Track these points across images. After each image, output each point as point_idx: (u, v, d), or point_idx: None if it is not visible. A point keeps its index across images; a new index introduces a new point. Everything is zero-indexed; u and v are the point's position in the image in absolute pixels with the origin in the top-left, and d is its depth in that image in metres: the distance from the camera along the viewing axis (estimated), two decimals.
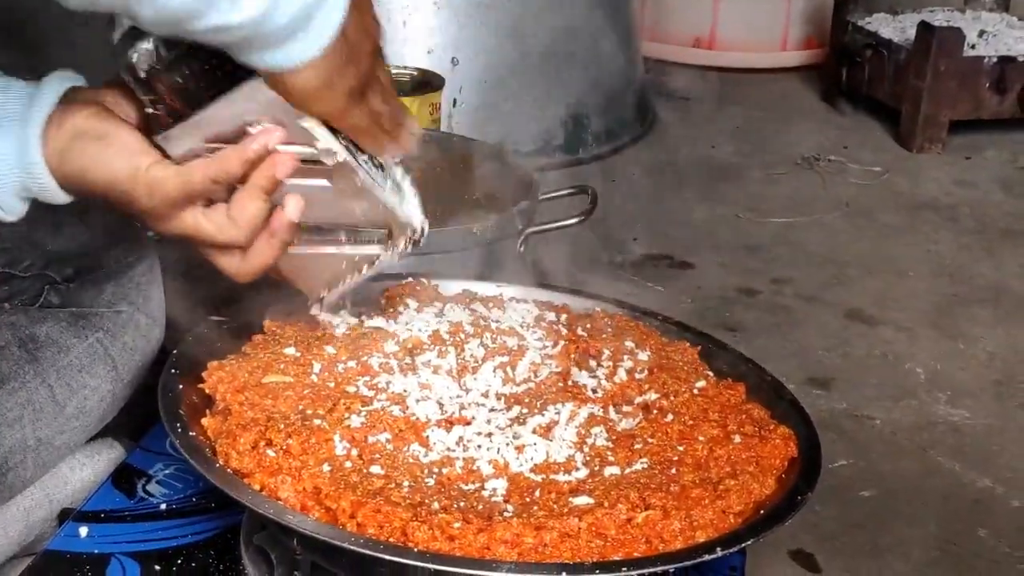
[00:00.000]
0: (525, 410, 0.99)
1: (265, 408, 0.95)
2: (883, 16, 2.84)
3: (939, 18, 2.74)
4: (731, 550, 0.87)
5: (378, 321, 1.09)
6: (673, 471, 0.94)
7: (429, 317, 1.11)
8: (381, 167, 0.95)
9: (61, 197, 0.93)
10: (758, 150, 2.55)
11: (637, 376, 1.06)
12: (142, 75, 0.88)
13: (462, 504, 0.87)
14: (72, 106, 0.90)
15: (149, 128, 0.90)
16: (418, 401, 0.97)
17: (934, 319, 1.82)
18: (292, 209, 0.91)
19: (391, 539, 0.83)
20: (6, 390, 1.02)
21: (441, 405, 0.98)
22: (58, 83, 0.92)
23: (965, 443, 1.49)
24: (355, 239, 0.98)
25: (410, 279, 1.17)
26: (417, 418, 0.96)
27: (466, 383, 1.02)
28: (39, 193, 0.92)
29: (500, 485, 0.90)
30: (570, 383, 1.04)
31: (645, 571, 0.84)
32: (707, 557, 0.86)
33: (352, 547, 0.82)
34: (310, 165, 0.90)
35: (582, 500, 0.89)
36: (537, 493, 0.90)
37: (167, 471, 1.10)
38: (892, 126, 2.66)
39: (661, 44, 3.10)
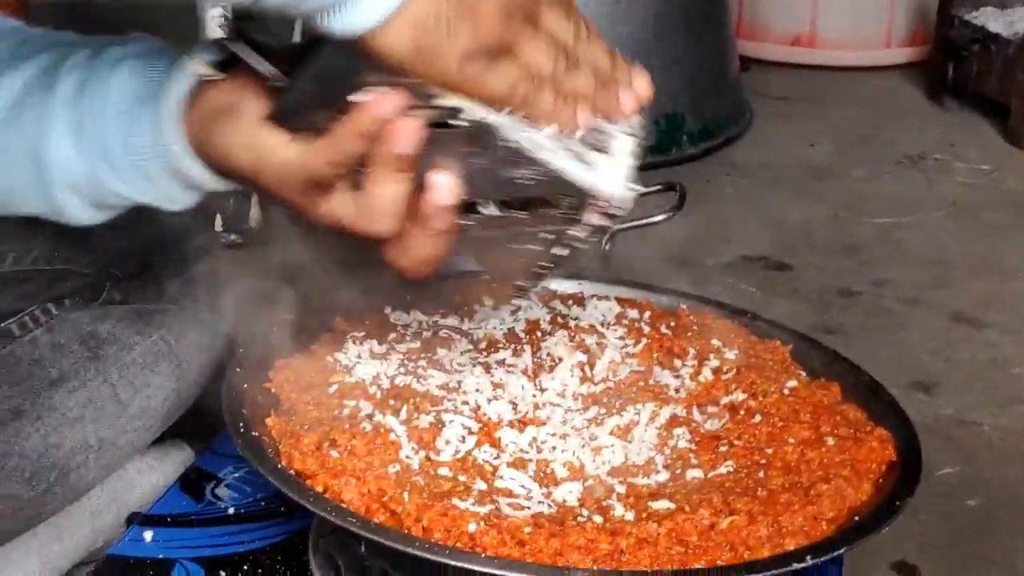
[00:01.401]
0: (603, 410, 0.94)
1: (331, 408, 0.91)
2: (990, 10, 2.75)
3: None
4: (823, 558, 0.81)
5: (452, 320, 1.06)
6: (760, 475, 0.88)
7: (505, 315, 1.06)
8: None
9: (213, 183, 0.84)
10: (859, 149, 2.47)
11: (724, 376, 1.00)
12: (254, 42, 0.75)
13: (532, 508, 0.83)
14: (217, 83, 0.79)
15: (276, 102, 0.78)
16: (490, 401, 0.93)
17: None
18: (439, 190, 0.76)
19: (458, 544, 0.79)
20: (67, 388, 0.99)
21: (515, 405, 0.94)
22: (204, 53, 0.81)
23: None
24: (537, 215, 0.79)
25: (486, 276, 1.13)
26: (489, 418, 0.91)
27: (542, 382, 0.97)
28: (190, 180, 0.84)
29: (574, 488, 0.85)
30: (651, 382, 0.99)
31: None
32: (797, 566, 0.80)
33: (416, 552, 0.78)
34: (451, 131, 0.74)
35: (662, 504, 0.83)
36: (614, 497, 0.85)
37: (236, 474, 1.07)
38: (1000, 123, 2.56)
39: (759, 43, 3.04)
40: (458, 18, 0.70)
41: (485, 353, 1.00)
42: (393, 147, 0.74)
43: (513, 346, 1.01)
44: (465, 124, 0.74)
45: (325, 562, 0.94)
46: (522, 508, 0.82)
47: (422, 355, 0.99)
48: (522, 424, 0.91)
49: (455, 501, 0.81)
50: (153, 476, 1.10)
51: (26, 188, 0.86)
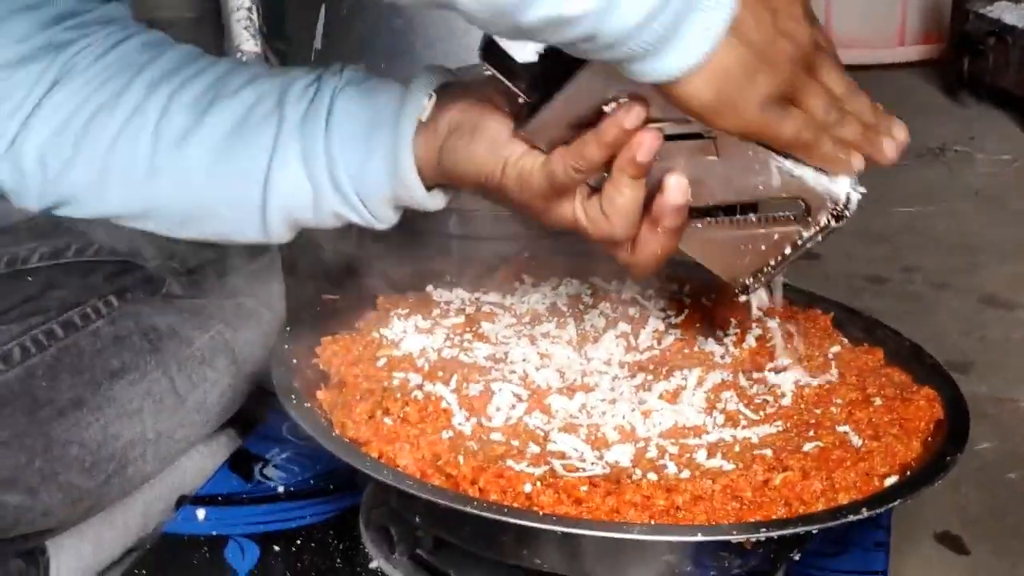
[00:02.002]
0: (650, 376, 0.95)
1: (380, 380, 0.92)
2: (1005, 3, 2.75)
3: None
4: (878, 510, 0.81)
5: (493, 296, 1.06)
6: (811, 434, 0.88)
7: (546, 290, 1.07)
8: None
9: (430, 204, 0.94)
10: None
11: (768, 343, 1.01)
12: (504, 62, 0.84)
13: (587, 470, 0.83)
14: (447, 103, 0.89)
15: (519, 119, 0.86)
16: (538, 369, 0.94)
17: None
18: (673, 192, 0.83)
19: (515, 504, 0.80)
20: (127, 380, 1.00)
21: (562, 374, 0.94)
22: (426, 82, 0.91)
23: None
24: (769, 218, 0.87)
25: (526, 254, 1.14)
26: (538, 386, 0.92)
27: (587, 352, 0.98)
28: (408, 202, 0.93)
29: (627, 450, 0.86)
30: (696, 350, 1.00)
31: (787, 532, 0.79)
32: (852, 518, 0.80)
33: (475, 511, 0.78)
34: (692, 140, 0.82)
35: (715, 463, 0.84)
36: (666, 457, 0.85)
37: (284, 455, 1.08)
38: (1019, 115, 2.57)
39: None
40: (759, 66, 0.74)
41: (529, 326, 1.01)
42: (635, 155, 0.80)
43: (556, 319, 1.02)
44: (705, 133, 0.81)
45: (378, 535, 0.95)
46: (576, 469, 0.83)
47: (467, 329, 1.00)
48: (571, 391, 0.92)
49: (510, 463, 0.82)
50: (201, 460, 1.11)
51: (244, 207, 0.96)
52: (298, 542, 0.96)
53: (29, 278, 0.97)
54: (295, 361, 0.95)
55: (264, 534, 0.97)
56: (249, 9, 1.61)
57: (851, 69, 2.76)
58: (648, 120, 0.80)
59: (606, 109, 0.80)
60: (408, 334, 0.98)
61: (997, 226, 2.04)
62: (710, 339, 1.01)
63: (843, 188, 0.84)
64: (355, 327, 1.01)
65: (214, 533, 0.97)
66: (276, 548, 0.95)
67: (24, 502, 0.94)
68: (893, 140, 0.85)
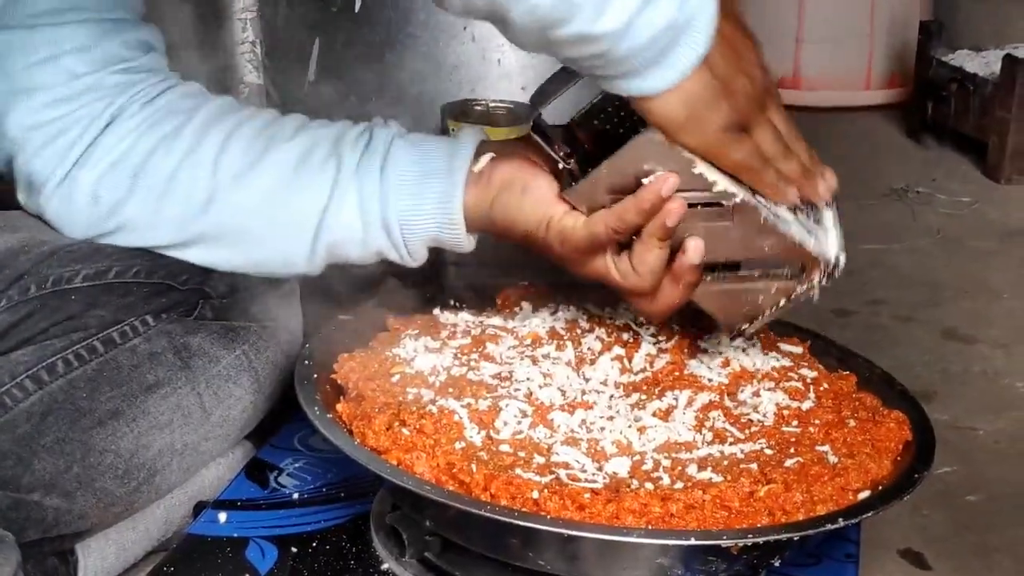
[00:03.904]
0: (644, 396, 1.02)
1: (395, 394, 0.99)
2: (967, 52, 2.86)
3: (1023, 53, 2.76)
4: (853, 520, 0.89)
5: (496, 320, 1.14)
6: (791, 451, 0.96)
7: (545, 315, 1.15)
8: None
9: (466, 246, 1.05)
10: (846, 183, 2.51)
11: (750, 367, 1.09)
12: (545, 132, 0.99)
13: (588, 479, 0.91)
14: (500, 159, 1.02)
15: (559, 181, 0.99)
16: (541, 387, 1.01)
17: None
18: (692, 253, 0.95)
19: (524, 509, 0.87)
20: (159, 395, 1.07)
21: (563, 392, 1.02)
22: (472, 138, 1.04)
23: None
24: (768, 273, 0.99)
25: (525, 283, 1.21)
26: (541, 402, 0.99)
27: (585, 373, 1.05)
28: (447, 242, 1.05)
29: (624, 463, 0.93)
30: (686, 373, 1.07)
31: (772, 538, 0.87)
32: (830, 527, 0.88)
33: (488, 514, 0.86)
34: (711, 208, 0.94)
35: (705, 475, 0.92)
36: (661, 470, 0.93)
37: (297, 464, 1.14)
38: (979, 159, 2.67)
39: None
40: (722, 95, 0.88)
41: (531, 348, 1.08)
42: (666, 221, 0.93)
43: (556, 341, 1.09)
44: (724, 202, 0.94)
45: (388, 539, 1.01)
46: (578, 479, 0.90)
47: (474, 350, 1.07)
48: (571, 408, 0.99)
49: (518, 471, 0.89)
50: (218, 470, 1.17)
51: (296, 241, 1.06)
52: (314, 544, 1.02)
53: (73, 297, 1.04)
54: (315, 376, 1.02)
55: (281, 537, 1.03)
56: (253, 43, 1.68)
57: (820, 111, 2.88)
58: (679, 190, 0.92)
59: (644, 181, 0.92)
60: (419, 353, 1.05)
61: (957, 264, 2.13)
62: (700, 363, 1.09)
63: (833, 252, 0.99)
64: (369, 346, 1.08)
65: (235, 535, 1.03)
66: (293, 550, 1.01)
67: (62, 505, 1.00)
68: (825, 182, 0.99)
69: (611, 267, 0.98)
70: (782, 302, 1.00)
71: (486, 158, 1.02)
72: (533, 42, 0.87)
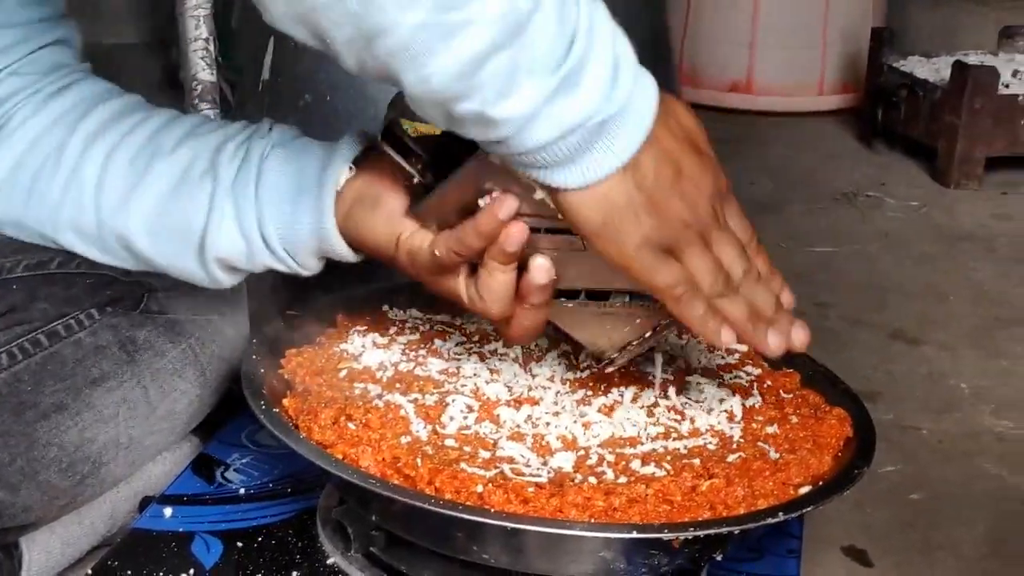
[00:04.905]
0: (590, 392, 1.03)
1: (343, 389, 0.99)
2: (917, 59, 2.90)
3: (972, 60, 2.80)
4: (793, 514, 0.90)
5: (444, 316, 1.14)
6: (734, 446, 0.98)
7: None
8: None
9: (351, 258, 0.99)
10: (797, 187, 2.60)
11: (695, 364, 1.10)
12: (404, 143, 0.91)
13: (532, 474, 0.91)
14: (361, 171, 0.96)
15: (413, 198, 0.93)
16: (488, 383, 1.02)
17: (976, 339, 1.86)
18: (537, 273, 0.89)
19: (468, 503, 0.87)
20: (104, 388, 1.06)
21: (510, 388, 1.02)
22: (349, 148, 0.97)
23: (1010, 451, 1.52)
24: (630, 303, 0.94)
25: None
26: (488, 398, 1.00)
27: (532, 369, 1.06)
28: (331, 254, 0.99)
29: (569, 457, 0.94)
30: (632, 369, 1.08)
31: (712, 531, 0.88)
32: (771, 520, 0.89)
33: (432, 508, 0.86)
34: (561, 234, 0.88)
35: (648, 470, 0.92)
36: (605, 464, 0.94)
37: (243, 460, 1.14)
38: (928, 164, 2.71)
39: (698, 89, 3.17)
40: (645, 210, 0.81)
41: (479, 344, 1.09)
42: (505, 246, 0.87)
43: (503, 339, 1.10)
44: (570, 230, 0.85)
45: (334, 533, 1.02)
46: (523, 473, 0.91)
47: (421, 346, 1.08)
48: (518, 403, 1.00)
49: (463, 466, 0.90)
50: (165, 464, 1.17)
51: (185, 258, 1.02)
52: (259, 539, 1.02)
53: (14, 287, 1.03)
54: (262, 371, 1.02)
55: (227, 531, 1.03)
56: (206, 40, 1.68)
57: (773, 115, 2.91)
58: (522, 214, 0.87)
59: (481, 203, 0.87)
60: (367, 349, 1.06)
61: (904, 267, 2.17)
62: (644, 359, 1.10)
63: None
64: (317, 341, 1.08)
65: (181, 530, 1.03)
66: (239, 544, 1.01)
67: (6, 498, 1.00)
68: (779, 335, 0.91)
69: (460, 290, 0.93)
70: (647, 333, 0.95)
71: (345, 172, 0.96)
72: (434, 116, 0.79)
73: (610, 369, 1.00)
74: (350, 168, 0.96)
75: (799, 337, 0.92)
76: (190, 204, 0.99)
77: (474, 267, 0.92)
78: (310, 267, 1.01)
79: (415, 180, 0.92)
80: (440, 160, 0.91)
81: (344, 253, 0.98)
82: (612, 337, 0.96)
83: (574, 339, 0.98)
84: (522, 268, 0.90)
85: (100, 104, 1.05)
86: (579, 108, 0.75)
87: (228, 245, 0.99)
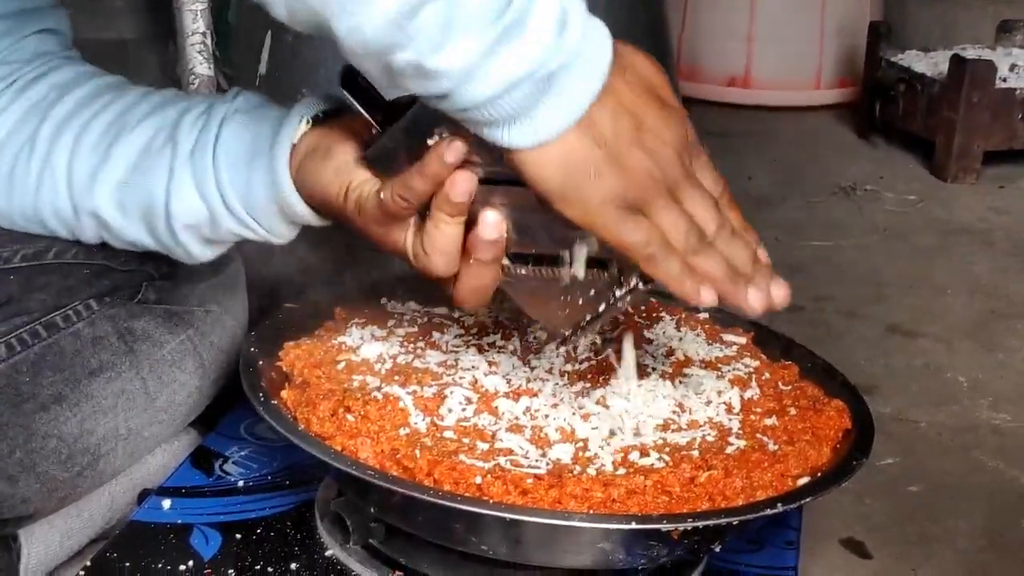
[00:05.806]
0: (588, 384, 1.03)
1: (341, 381, 0.99)
2: (915, 53, 2.90)
3: (970, 54, 2.79)
4: (791, 506, 0.90)
5: (442, 309, 1.14)
6: (732, 438, 0.98)
7: (492, 305, 1.15)
8: None
9: (312, 219, 0.95)
10: (794, 181, 2.60)
11: (693, 355, 1.10)
12: (366, 92, 0.86)
13: (531, 465, 0.91)
14: (315, 126, 0.92)
15: (366, 146, 0.89)
16: (486, 375, 1.02)
17: (973, 332, 1.86)
18: (487, 228, 0.84)
19: (467, 494, 0.88)
20: (103, 379, 1.06)
21: (508, 380, 1.02)
22: (305, 107, 0.94)
23: (1008, 444, 1.52)
24: (583, 273, 0.88)
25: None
26: (486, 390, 1.00)
27: (531, 361, 1.06)
28: (295, 217, 0.96)
29: (568, 449, 0.94)
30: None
31: (711, 522, 0.88)
32: (769, 511, 0.89)
33: (431, 499, 0.86)
34: (517, 188, 0.81)
35: (647, 461, 0.93)
36: (604, 456, 0.94)
37: (242, 453, 1.14)
38: (926, 158, 2.71)
39: (697, 84, 3.17)
40: (607, 167, 0.77)
41: (476, 336, 1.09)
42: (452, 195, 0.82)
43: (501, 331, 1.10)
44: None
45: (333, 525, 1.02)
46: (521, 465, 0.91)
47: (420, 338, 1.08)
48: (516, 395, 1.00)
49: (462, 457, 0.90)
50: (163, 457, 1.17)
51: (154, 231, 1.00)
52: (258, 531, 1.02)
53: (11, 277, 1.03)
54: (260, 363, 1.02)
55: (226, 523, 1.03)
56: (203, 34, 1.68)
57: (770, 110, 2.91)
58: (474, 164, 0.82)
59: (430, 142, 0.82)
60: (366, 341, 1.06)
61: (902, 261, 2.17)
62: (643, 351, 1.10)
63: None
64: (315, 334, 1.08)
65: (179, 522, 1.03)
66: (238, 536, 1.01)
67: (5, 489, 1.00)
68: (760, 292, 0.86)
69: (405, 244, 0.87)
70: (601, 307, 0.89)
71: (301, 125, 0.92)
72: (372, 70, 0.75)
73: (562, 349, 0.97)
74: (307, 122, 0.93)
75: (779, 294, 0.88)
76: (152, 175, 0.97)
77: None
78: (279, 233, 0.98)
79: (374, 131, 0.88)
80: (399, 112, 0.85)
81: (303, 212, 0.94)
82: (566, 313, 0.91)
83: (527, 314, 0.94)
84: (473, 225, 0.86)
85: (75, 88, 1.04)
86: (523, 60, 0.72)
87: (191, 212, 0.97)
